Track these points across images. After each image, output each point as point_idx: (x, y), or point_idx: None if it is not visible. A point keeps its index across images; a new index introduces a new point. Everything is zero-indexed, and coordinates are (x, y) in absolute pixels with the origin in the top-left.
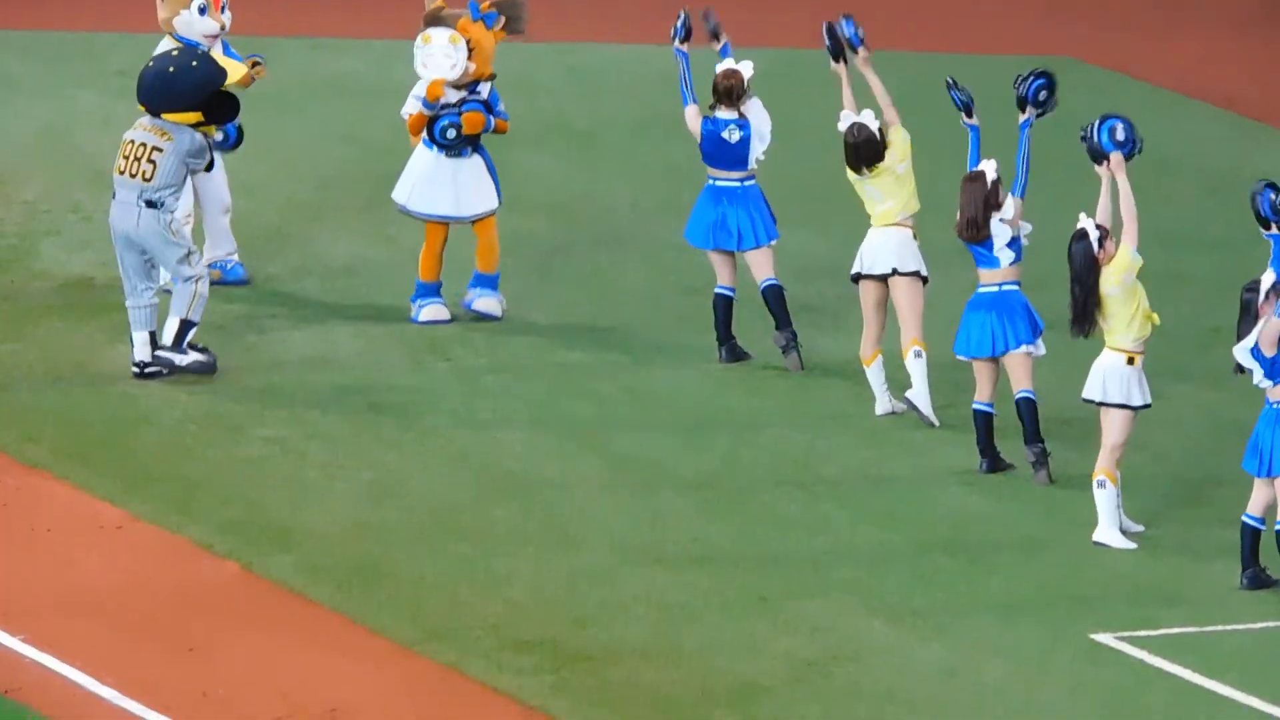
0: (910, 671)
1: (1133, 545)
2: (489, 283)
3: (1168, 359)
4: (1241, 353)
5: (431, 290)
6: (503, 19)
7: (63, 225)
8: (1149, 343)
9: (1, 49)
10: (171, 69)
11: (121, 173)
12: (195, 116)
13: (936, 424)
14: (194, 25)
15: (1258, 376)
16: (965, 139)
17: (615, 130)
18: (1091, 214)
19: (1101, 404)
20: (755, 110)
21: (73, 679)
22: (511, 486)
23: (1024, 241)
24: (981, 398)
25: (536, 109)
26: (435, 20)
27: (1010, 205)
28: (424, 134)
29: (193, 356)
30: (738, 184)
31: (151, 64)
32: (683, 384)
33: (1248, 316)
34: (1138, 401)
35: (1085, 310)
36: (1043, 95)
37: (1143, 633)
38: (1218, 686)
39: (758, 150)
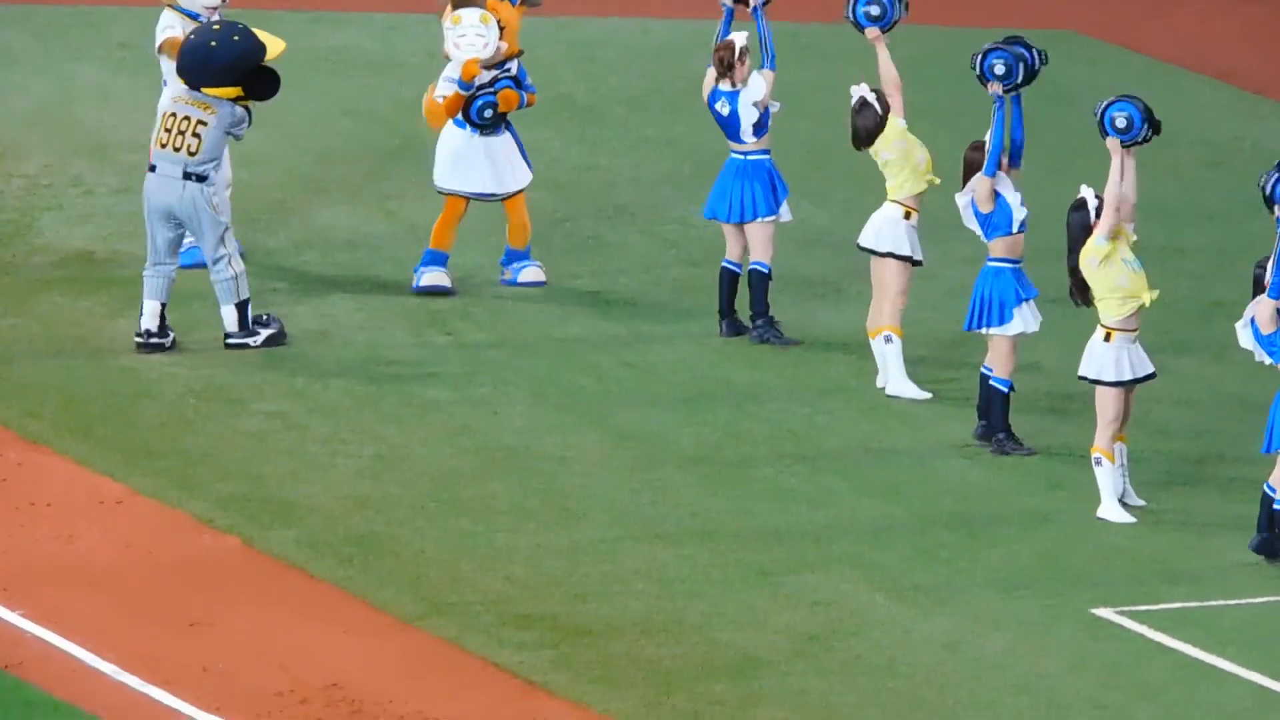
0: (911, 645)
1: (1133, 519)
2: (524, 256)
3: (1169, 333)
4: (1242, 332)
5: (440, 259)
6: None
7: (63, 199)
8: (1144, 319)
9: (1, 23)
10: (213, 43)
11: (164, 146)
12: (236, 91)
13: (929, 396)
14: None
15: (1259, 355)
16: (966, 112)
17: (615, 104)
18: (1096, 187)
19: (1081, 378)
20: (750, 82)
21: (73, 654)
22: (512, 461)
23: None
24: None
25: (536, 83)
26: (462, 1)
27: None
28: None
29: (264, 334)
30: (742, 156)
31: (193, 37)
32: (683, 357)
33: (1259, 293)
34: (1109, 377)
35: (1077, 279)
36: (1000, 69)
37: (1144, 607)
38: (1219, 661)
39: (746, 123)
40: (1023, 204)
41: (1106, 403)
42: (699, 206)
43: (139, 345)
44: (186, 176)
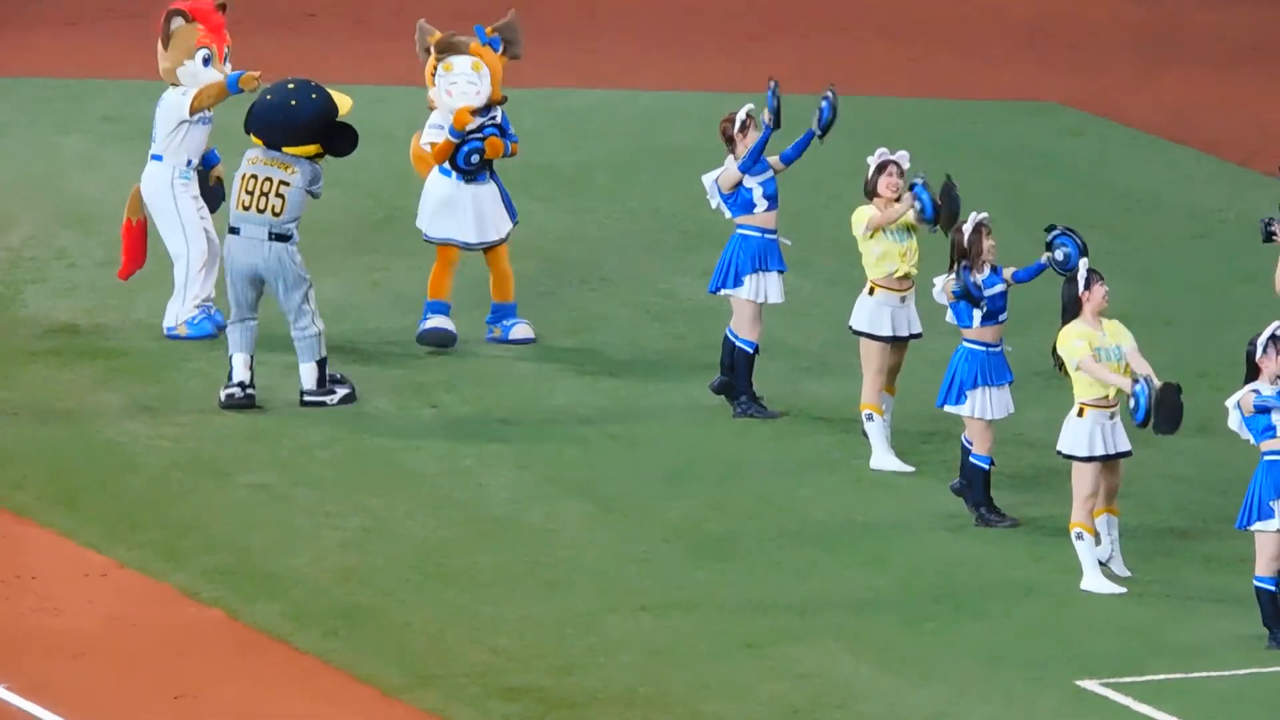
0: (897, 717)
1: (1120, 590)
2: (511, 311)
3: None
4: (1232, 414)
5: (442, 309)
6: (504, 43)
7: (48, 272)
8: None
9: None
10: (293, 101)
11: (246, 208)
12: (315, 148)
13: (911, 470)
14: (198, 76)
15: (1243, 435)
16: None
17: (601, 173)
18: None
19: (1057, 453)
20: (728, 162)
21: None
22: (498, 532)
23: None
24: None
25: (522, 152)
26: (450, 48)
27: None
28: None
29: (340, 393)
30: (737, 228)
31: (269, 96)
32: (669, 429)
33: (1251, 370)
34: (1082, 453)
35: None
36: (1060, 255)
37: (1128, 679)
38: None
39: (710, 200)
40: (1003, 296)
41: (1082, 478)
42: (684, 278)
43: (229, 399)
44: (272, 237)
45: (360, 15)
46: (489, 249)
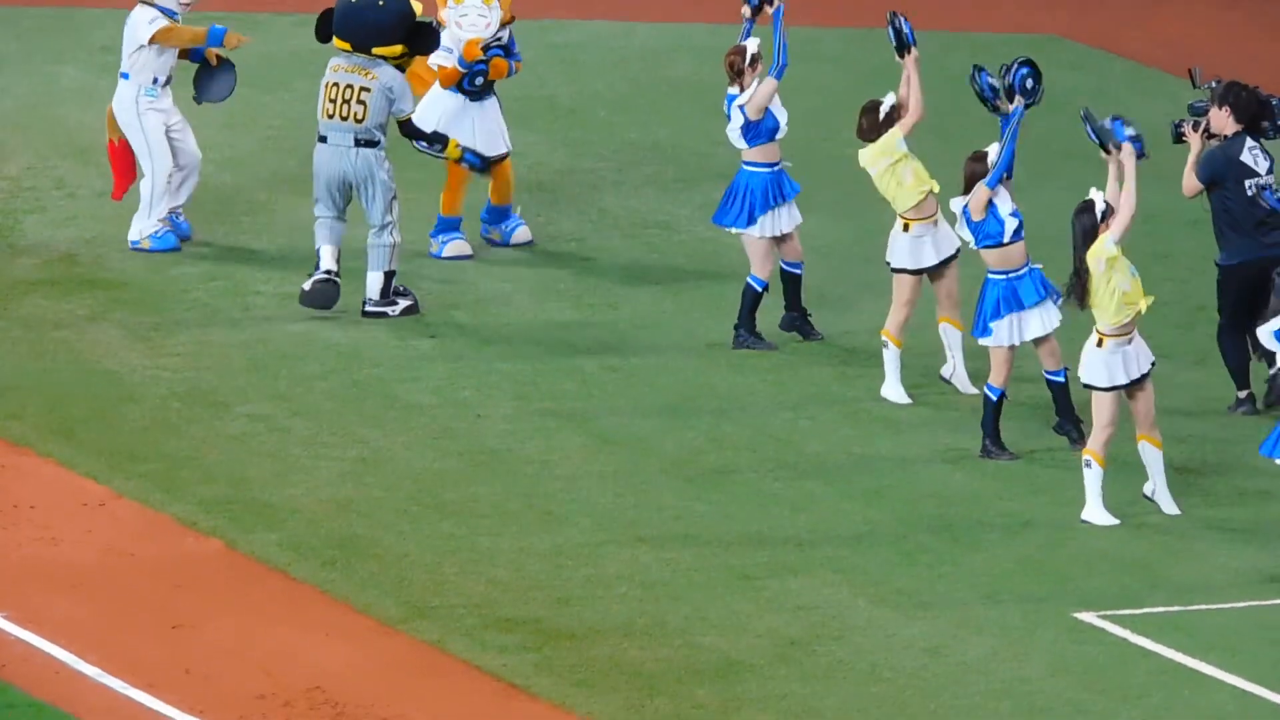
0: (894, 650)
1: (1117, 521)
2: (509, 214)
3: (1151, 338)
4: (1266, 335)
5: (453, 225)
6: None
7: (46, 202)
8: (1134, 325)
9: None
10: (380, 2)
11: (331, 116)
12: (400, 49)
13: (909, 402)
14: None
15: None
16: (948, 115)
17: (599, 106)
18: (1081, 191)
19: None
20: (749, 87)
21: (56, 656)
22: (495, 464)
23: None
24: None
25: (520, 86)
26: None
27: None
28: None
29: (402, 305)
30: (746, 166)
31: (339, 3)
32: (666, 362)
33: (1277, 296)
34: (1102, 383)
35: (1078, 282)
36: (1029, 84)
37: (1125, 611)
38: (1200, 665)
39: (733, 125)
40: (1015, 214)
41: (1101, 407)
42: (683, 210)
43: (314, 286)
44: (357, 143)
45: None
46: (494, 163)
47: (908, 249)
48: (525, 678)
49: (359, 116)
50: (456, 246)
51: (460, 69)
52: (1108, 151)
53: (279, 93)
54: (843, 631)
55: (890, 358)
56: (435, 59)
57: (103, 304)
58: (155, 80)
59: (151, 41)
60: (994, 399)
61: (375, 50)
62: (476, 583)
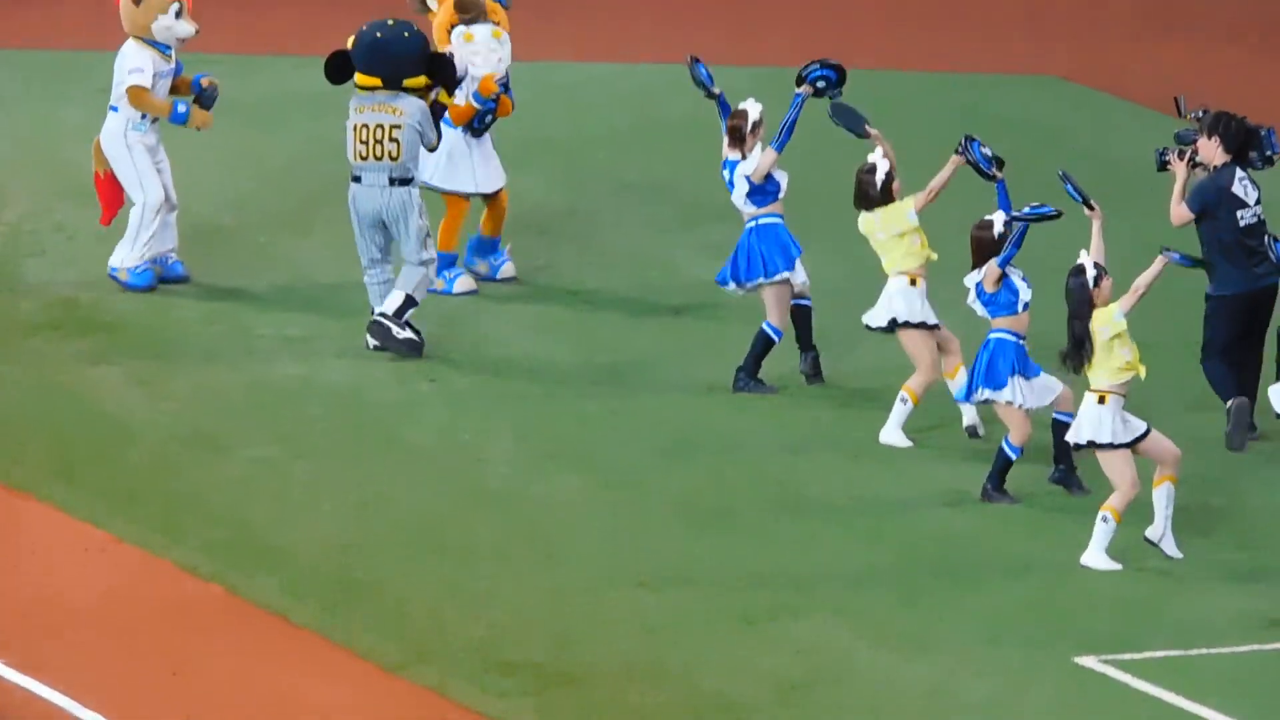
0: (894, 692)
1: (1118, 566)
2: (495, 246)
3: (1151, 378)
4: (1276, 396)
5: (451, 261)
6: None
7: (47, 245)
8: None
9: None
10: (406, 34)
11: (364, 158)
12: (425, 79)
13: (910, 445)
14: (173, 30)
15: None
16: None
17: (598, 147)
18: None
19: (1076, 445)
20: (751, 155)
21: (56, 702)
22: (495, 506)
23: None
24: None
25: (519, 127)
26: (472, 5)
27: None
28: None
29: (407, 334)
30: (753, 221)
31: (378, 34)
32: (666, 403)
33: None
34: (1110, 439)
35: (1076, 347)
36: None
37: (1126, 655)
38: (1201, 709)
39: (739, 193)
40: (1028, 283)
41: (1118, 466)
42: (682, 252)
43: (406, 341)
44: (392, 182)
45: None
46: (491, 196)
47: (919, 303)
48: None
49: (393, 154)
50: (464, 282)
51: (475, 105)
52: (1090, 208)
53: (278, 134)
54: (843, 674)
55: (903, 410)
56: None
57: (103, 347)
58: (144, 115)
59: (125, 92)
60: (1013, 457)
61: (408, 83)
62: (477, 625)
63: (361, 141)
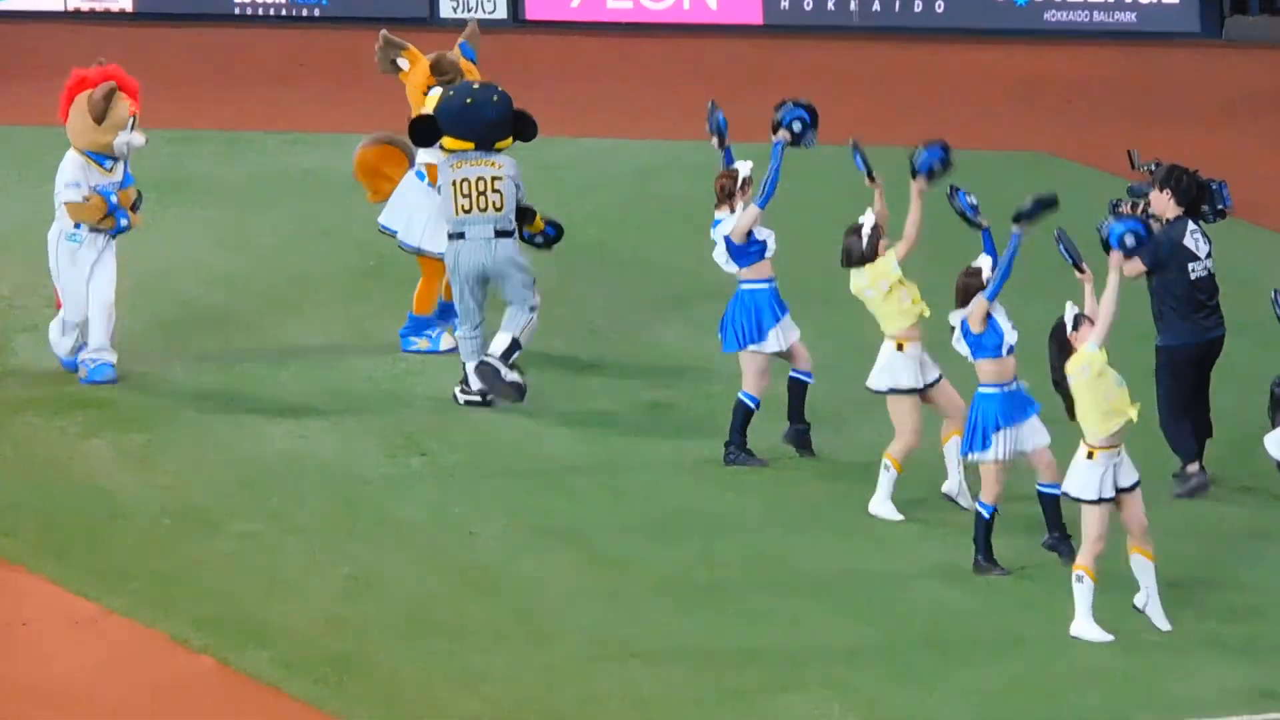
0: None
1: (1109, 637)
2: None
3: (1144, 453)
4: (1273, 445)
5: (429, 324)
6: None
7: (38, 320)
8: (1122, 437)
9: None
10: (495, 98)
11: (468, 211)
12: (510, 139)
13: (900, 519)
14: (132, 142)
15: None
16: (937, 229)
17: (589, 225)
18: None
19: (1063, 495)
20: (735, 213)
21: None
22: (486, 582)
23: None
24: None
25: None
26: (449, 66)
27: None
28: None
29: (514, 376)
30: (741, 284)
31: (468, 100)
32: (657, 480)
33: (1277, 410)
34: (1090, 495)
35: (1063, 396)
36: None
37: None
38: None
39: (718, 251)
40: (1013, 327)
41: (1091, 520)
42: (672, 329)
43: (472, 404)
44: (497, 234)
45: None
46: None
47: (906, 368)
48: None
49: (497, 205)
50: (449, 340)
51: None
52: (1081, 271)
53: (268, 212)
54: None
55: (888, 479)
56: (425, 157)
57: (94, 422)
58: (78, 226)
59: (63, 203)
60: (986, 516)
61: (499, 144)
62: (469, 701)
63: (464, 195)
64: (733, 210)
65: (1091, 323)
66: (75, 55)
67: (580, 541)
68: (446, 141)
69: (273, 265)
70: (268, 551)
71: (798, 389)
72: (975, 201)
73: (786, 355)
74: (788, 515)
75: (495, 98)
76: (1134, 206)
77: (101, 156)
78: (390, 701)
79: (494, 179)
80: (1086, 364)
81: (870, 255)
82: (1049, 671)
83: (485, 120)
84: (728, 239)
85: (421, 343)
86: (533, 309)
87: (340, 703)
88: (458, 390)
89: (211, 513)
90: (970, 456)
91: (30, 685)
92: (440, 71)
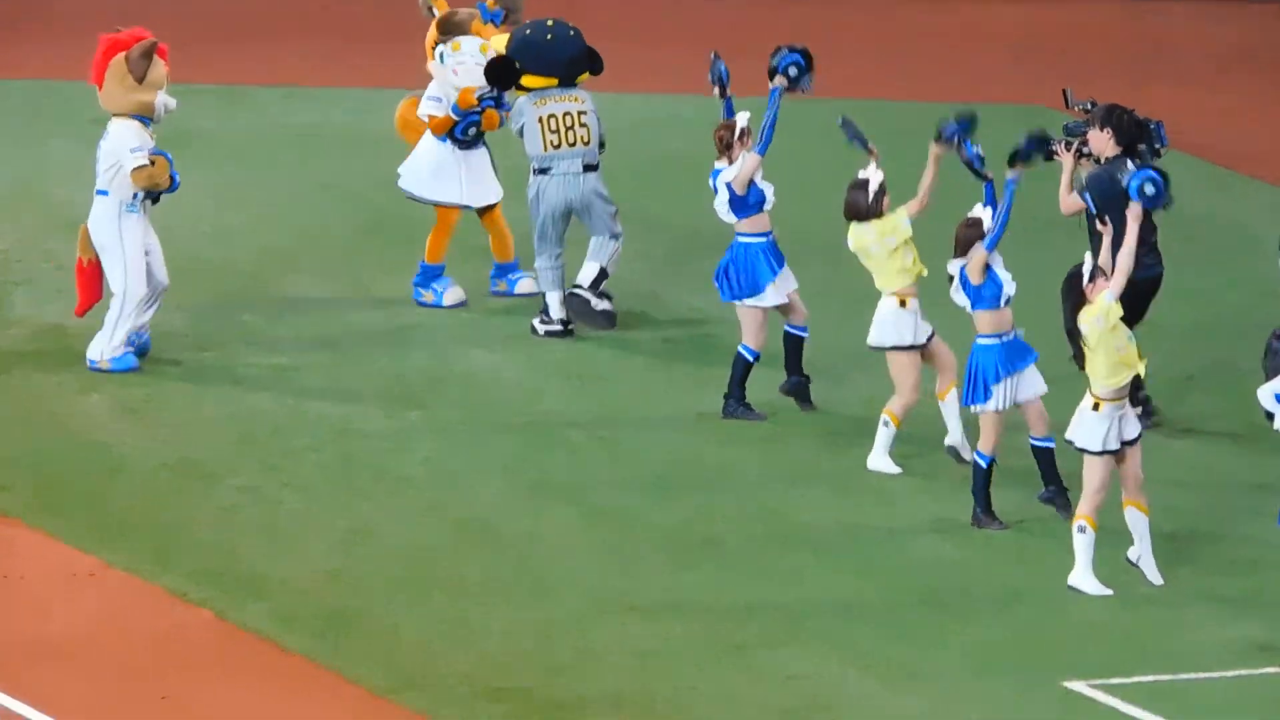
0: None
1: (1108, 591)
2: (514, 267)
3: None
4: (1265, 396)
5: (438, 273)
6: (505, 13)
7: (35, 274)
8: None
9: None
10: (572, 33)
11: (557, 146)
12: (586, 75)
13: (899, 472)
14: (168, 104)
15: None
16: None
17: None
18: (1070, 260)
19: (1068, 443)
20: (735, 161)
21: None
22: (484, 536)
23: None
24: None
25: (509, 157)
26: (455, 26)
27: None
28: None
29: (604, 305)
30: (737, 236)
31: (550, 36)
32: (656, 433)
33: (1275, 360)
34: (1095, 446)
35: (1074, 345)
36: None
37: (1116, 680)
38: None
39: (719, 200)
40: (1011, 279)
41: (1094, 471)
42: (671, 282)
43: (552, 334)
44: (584, 168)
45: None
46: (485, 212)
47: (907, 324)
48: None
49: (585, 139)
50: (454, 294)
51: (453, 117)
52: (1104, 222)
53: (267, 168)
54: (833, 703)
55: (886, 434)
56: (425, 108)
57: (92, 376)
58: (135, 195)
59: (131, 174)
60: (984, 466)
61: (578, 79)
62: (466, 654)
63: (552, 131)
64: (731, 161)
65: (1107, 276)
66: (69, 9)
67: (579, 496)
68: (528, 80)
69: (272, 221)
70: (266, 505)
71: (794, 344)
72: (982, 152)
73: (783, 310)
74: (786, 470)
75: (571, 33)
76: (1066, 145)
77: (145, 118)
78: (388, 655)
79: (580, 113)
80: (1102, 314)
81: (876, 210)
82: (1047, 625)
83: (567, 56)
84: (729, 186)
85: (427, 295)
86: (616, 237)
87: (338, 656)
88: (536, 322)
89: (210, 466)
90: (973, 408)
91: (28, 638)
92: (446, 32)
